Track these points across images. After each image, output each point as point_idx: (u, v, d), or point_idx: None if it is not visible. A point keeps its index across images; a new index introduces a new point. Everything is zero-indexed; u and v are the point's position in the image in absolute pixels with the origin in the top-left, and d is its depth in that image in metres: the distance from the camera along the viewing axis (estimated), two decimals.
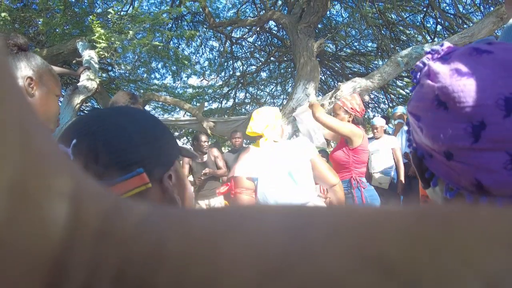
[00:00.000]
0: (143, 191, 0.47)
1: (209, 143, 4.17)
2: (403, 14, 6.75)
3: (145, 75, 7.81)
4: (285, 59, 8.67)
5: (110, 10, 4.76)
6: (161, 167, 0.51)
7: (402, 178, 3.85)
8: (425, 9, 6.54)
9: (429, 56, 0.50)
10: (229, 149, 4.92)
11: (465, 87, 0.41)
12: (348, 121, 2.46)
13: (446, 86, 0.42)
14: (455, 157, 0.43)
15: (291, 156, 1.69)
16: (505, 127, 0.39)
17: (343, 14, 7.76)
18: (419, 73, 0.50)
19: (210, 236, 0.15)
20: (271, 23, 7.63)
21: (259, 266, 0.13)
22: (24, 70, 0.96)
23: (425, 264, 0.11)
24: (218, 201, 4.02)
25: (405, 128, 0.57)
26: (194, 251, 0.15)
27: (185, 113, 7.20)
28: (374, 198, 2.48)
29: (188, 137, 8.02)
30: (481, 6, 6.05)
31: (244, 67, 9.23)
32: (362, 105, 2.54)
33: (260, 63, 9.04)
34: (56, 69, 3.31)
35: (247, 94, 9.73)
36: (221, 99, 9.27)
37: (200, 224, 0.16)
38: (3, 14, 4.32)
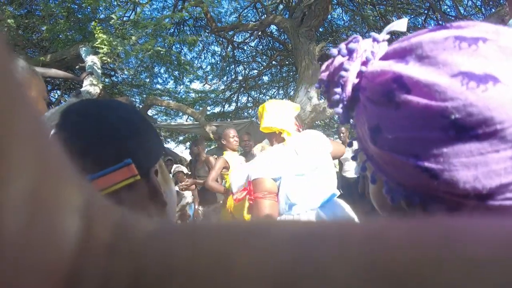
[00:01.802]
0: (131, 185, 0.44)
1: (200, 148, 4.19)
2: (404, 16, 6.75)
3: (147, 80, 7.84)
4: (287, 63, 8.67)
5: (113, 16, 4.79)
6: (149, 161, 0.50)
7: None
8: (426, 12, 6.55)
9: (346, 58, 0.38)
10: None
11: (501, 98, 0.28)
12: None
13: (472, 103, 0.29)
14: (498, 195, 0.31)
15: (316, 150, 1.55)
16: None
17: (344, 18, 7.77)
18: (345, 85, 0.38)
19: (220, 251, 0.15)
20: (273, 27, 7.66)
21: (270, 281, 0.13)
22: None
23: (431, 274, 0.12)
24: (212, 208, 4.02)
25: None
26: (205, 265, 0.15)
27: (187, 118, 7.21)
28: None
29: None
30: (482, 8, 6.04)
31: (246, 71, 9.25)
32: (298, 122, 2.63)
33: (262, 67, 9.05)
34: (60, 73, 3.33)
35: (249, 98, 9.74)
36: (224, 103, 9.28)
37: (210, 238, 0.17)
38: (8, 20, 4.36)
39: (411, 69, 0.32)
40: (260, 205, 1.46)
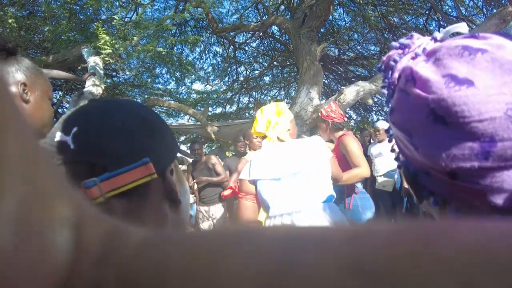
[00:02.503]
0: (147, 183, 0.45)
1: (202, 148, 4.22)
2: (405, 17, 6.75)
3: (149, 81, 7.86)
4: (288, 63, 8.68)
5: (115, 16, 4.81)
6: (165, 160, 0.50)
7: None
8: (427, 12, 6.54)
9: (399, 51, 0.45)
10: (233, 153, 4.92)
11: (467, 98, 0.34)
12: (327, 128, 2.54)
13: (444, 98, 0.36)
14: (462, 177, 0.37)
15: (301, 156, 1.57)
16: None
17: (345, 18, 7.77)
18: (392, 73, 0.44)
19: (210, 257, 0.16)
20: (274, 28, 7.67)
21: (258, 282, 0.14)
22: (17, 75, 0.93)
23: (405, 271, 0.12)
24: (218, 208, 4.03)
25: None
26: (196, 271, 0.15)
27: (189, 118, 7.23)
28: (366, 205, 2.52)
29: None
30: (484, 8, 6.04)
31: (247, 72, 9.24)
32: (339, 111, 2.58)
33: (263, 68, 9.05)
34: (62, 74, 3.34)
35: (251, 99, 9.75)
36: (225, 104, 9.29)
37: (201, 245, 0.17)
38: (10, 21, 4.38)
39: (424, 68, 0.39)
40: (239, 204, 1.64)
